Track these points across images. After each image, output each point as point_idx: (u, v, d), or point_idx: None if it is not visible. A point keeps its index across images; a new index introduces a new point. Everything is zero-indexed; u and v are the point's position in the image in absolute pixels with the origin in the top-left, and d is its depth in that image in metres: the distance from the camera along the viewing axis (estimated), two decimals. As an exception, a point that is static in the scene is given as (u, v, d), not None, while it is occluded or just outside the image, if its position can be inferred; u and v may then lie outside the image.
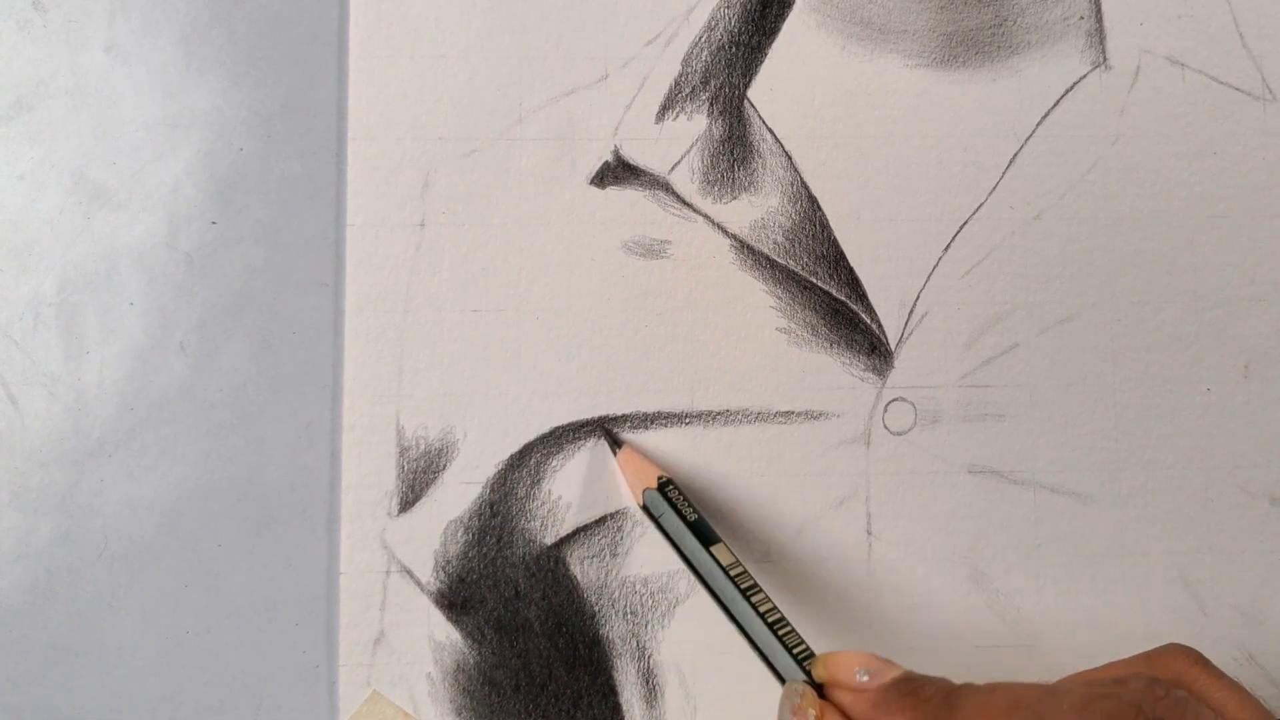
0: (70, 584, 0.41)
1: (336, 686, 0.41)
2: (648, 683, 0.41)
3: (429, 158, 0.42)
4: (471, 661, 0.41)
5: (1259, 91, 0.44)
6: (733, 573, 0.38)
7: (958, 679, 0.34)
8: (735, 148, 0.43)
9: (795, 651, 0.37)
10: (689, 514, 0.39)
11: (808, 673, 0.36)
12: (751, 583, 0.38)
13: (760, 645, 0.37)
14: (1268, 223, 0.43)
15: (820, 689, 0.35)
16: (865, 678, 0.34)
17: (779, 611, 0.38)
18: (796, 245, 0.43)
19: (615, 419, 0.42)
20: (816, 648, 0.37)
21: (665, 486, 0.40)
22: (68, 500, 0.41)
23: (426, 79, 0.42)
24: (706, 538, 0.39)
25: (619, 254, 0.42)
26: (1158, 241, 0.43)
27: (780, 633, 0.37)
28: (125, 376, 0.41)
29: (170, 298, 0.42)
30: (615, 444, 0.41)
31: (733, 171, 0.43)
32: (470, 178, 0.42)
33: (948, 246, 0.43)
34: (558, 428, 0.42)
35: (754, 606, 0.37)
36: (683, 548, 0.39)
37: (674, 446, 0.42)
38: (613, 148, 0.43)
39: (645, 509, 0.40)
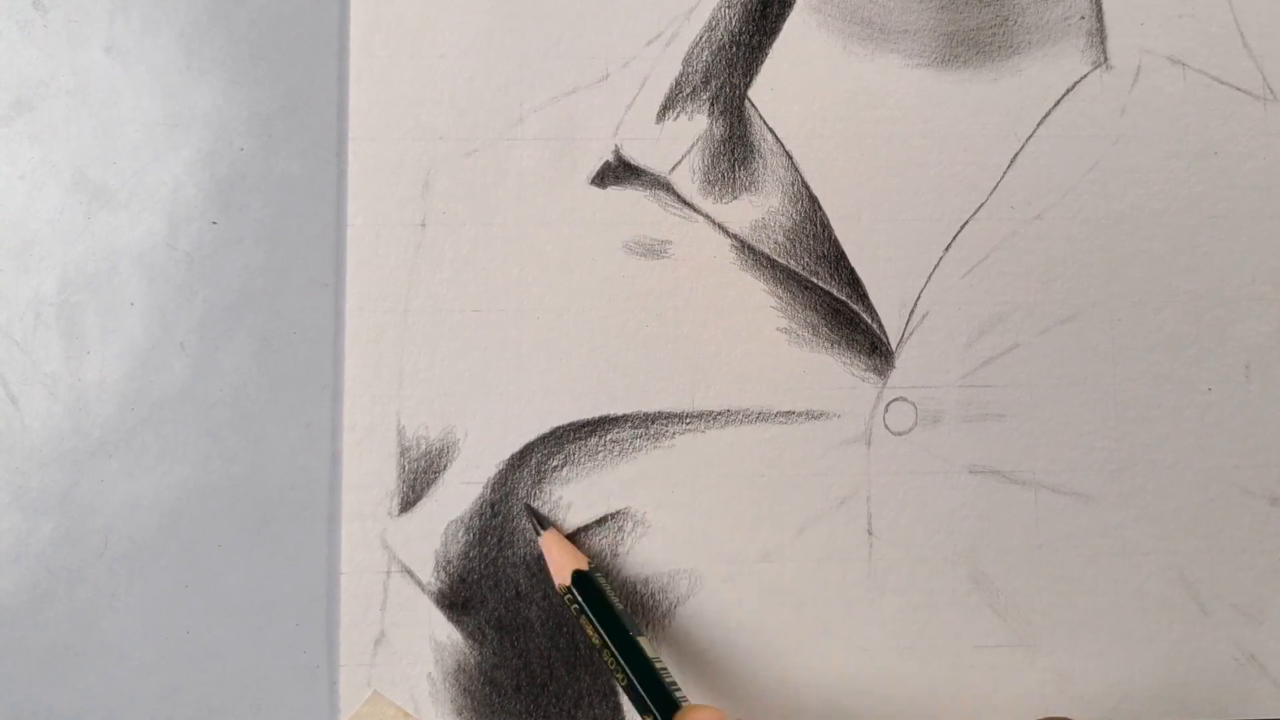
0: (70, 584, 0.41)
1: (337, 686, 0.41)
2: (648, 683, 0.41)
3: (429, 158, 0.42)
4: (472, 661, 0.41)
5: (1260, 91, 0.44)
6: (655, 665, 0.38)
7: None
8: (736, 148, 0.43)
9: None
10: (604, 607, 0.39)
11: None
12: (670, 679, 0.38)
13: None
14: (1268, 223, 0.43)
15: None
16: None
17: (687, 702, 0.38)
18: (797, 245, 0.43)
19: (615, 419, 0.42)
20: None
21: (579, 582, 0.39)
22: (68, 500, 0.41)
23: (426, 79, 0.42)
24: (624, 630, 0.38)
25: (619, 254, 0.42)
26: (1158, 241, 0.43)
27: None
28: (125, 376, 0.41)
29: (170, 298, 0.42)
30: (539, 524, 0.41)
31: (733, 171, 0.43)
32: (471, 178, 0.42)
33: (948, 246, 0.43)
34: (558, 428, 0.42)
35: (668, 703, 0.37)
36: (601, 636, 0.38)
37: (674, 446, 0.42)
38: (613, 147, 0.43)
39: (565, 596, 0.40)
